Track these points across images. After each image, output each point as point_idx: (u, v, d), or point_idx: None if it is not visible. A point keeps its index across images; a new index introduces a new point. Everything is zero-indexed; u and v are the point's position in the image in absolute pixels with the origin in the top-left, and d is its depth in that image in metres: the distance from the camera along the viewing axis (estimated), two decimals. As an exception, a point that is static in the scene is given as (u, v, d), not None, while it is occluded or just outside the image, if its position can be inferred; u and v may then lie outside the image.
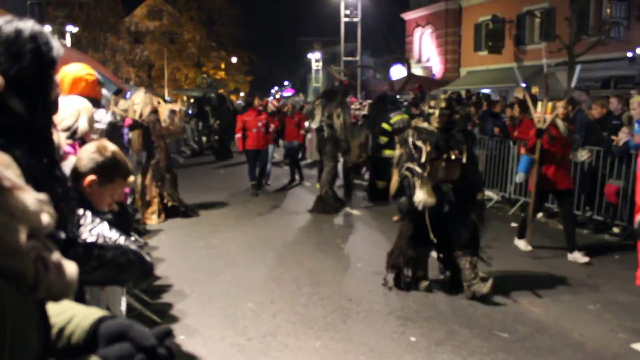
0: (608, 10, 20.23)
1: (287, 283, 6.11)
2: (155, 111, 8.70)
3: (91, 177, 2.45)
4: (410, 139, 5.68)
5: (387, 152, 10.56)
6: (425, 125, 5.79)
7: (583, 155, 8.88)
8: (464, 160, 5.61)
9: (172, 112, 9.15)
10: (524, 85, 13.64)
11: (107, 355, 1.17)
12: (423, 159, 5.52)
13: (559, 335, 4.81)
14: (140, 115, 8.40)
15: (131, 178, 2.69)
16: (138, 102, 8.61)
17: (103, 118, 4.38)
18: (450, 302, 5.54)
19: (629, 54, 19.52)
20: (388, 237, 8.10)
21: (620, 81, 20.55)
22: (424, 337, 4.76)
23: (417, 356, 4.43)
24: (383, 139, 10.54)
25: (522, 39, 25.94)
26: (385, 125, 10.49)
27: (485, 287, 5.44)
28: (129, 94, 11.89)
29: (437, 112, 5.72)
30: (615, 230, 8.41)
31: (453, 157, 5.58)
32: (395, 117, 10.60)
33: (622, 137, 8.10)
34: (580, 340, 4.74)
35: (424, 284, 5.82)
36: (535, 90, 22.71)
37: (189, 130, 22.56)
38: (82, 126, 3.21)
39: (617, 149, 8.11)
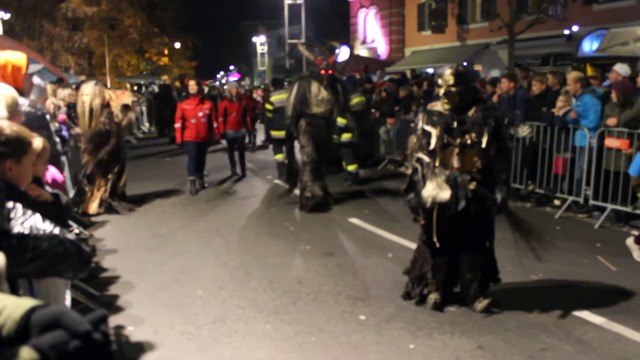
0: (545, -11, 20.71)
1: (236, 269, 6.08)
2: (107, 105, 8.51)
3: (6, 162, 2.36)
4: (420, 124, 4.83)
5: (346, 136, 10.63)
6: (438, 107, 4.84)
7: (524, 130, 9.11)
8: (484, 145, 4.63)
9: (126, 107, 8.79)
10: (465, 63, 13.86)
11: (39, 345, 1.13)
12: (432, 146, 4.68)
13: (504, 306, 4.93)
14: (91, 109, 8.33)
15: (37, 140, 2.59)
16: (87, 92, 8.42)
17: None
18: (398, 279, 5.60)
19: (566, 32, 20.08)
20: (337, 220, 8.17)
21: (559, 58, 21.16)
22: (373, 315, 4.82)
23: (366, 334, 4.48)
24: (342, 121, 10.51)
25: (465, 18, 26.33)
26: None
27: (480, 305, 4.84)
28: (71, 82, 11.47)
29: (442, 90, 4.71)
30: (557, 202, 8.70)
31: (469, 141, 4.64)
32: (355, 99, 10.71)
33: (560, 105, 8.38)
34: (524, 309, 4.89)
35: (432, 299, 4.91)
36: (477, 68, 23.17)
37: (133, 117, 22.01)
38: (1, 114, 3.11)
39: (558, 119, 8.36)
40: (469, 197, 4.60)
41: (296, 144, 9.12)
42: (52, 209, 2.60)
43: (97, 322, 1.20)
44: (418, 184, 4.74)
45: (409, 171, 4.92)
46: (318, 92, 8.58)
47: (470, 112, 4.71)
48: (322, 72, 8.57)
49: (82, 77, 32.43)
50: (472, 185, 4.62)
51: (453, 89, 4.66)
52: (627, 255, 6.46)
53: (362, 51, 34.65)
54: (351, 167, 10.81)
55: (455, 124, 4.68)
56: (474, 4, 25.96)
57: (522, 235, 4.99)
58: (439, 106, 4.84)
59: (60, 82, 13.85)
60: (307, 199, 8.63)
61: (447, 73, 4.71)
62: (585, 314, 4.79)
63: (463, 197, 4.59)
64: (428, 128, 4.74)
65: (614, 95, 7.84)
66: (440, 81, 4.76)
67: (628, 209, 7.54)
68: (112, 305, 5.11)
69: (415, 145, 4.84)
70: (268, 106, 11.43)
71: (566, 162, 8.48)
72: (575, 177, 8.34)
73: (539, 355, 4.14)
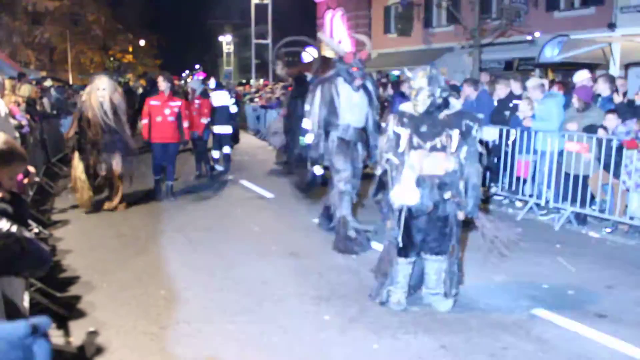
0: (509, -5, 21.08)
1: (200, 269, 6.02)
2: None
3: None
4: (390, 125, 4.81)
5: None
6: (409, 108, 4.83)
7: (488, 134, 9.24)
8: (453, 149, 4.66)
9: None
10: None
11: None
12: (402, 147, 4.69)
13: (466, 306, 5.01)
14: (112, 103, 8.26)
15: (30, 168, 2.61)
16: (104, 87, 8.26)
17: None
18: (362, 280, 5.64)
19: (529, 37, 20.48)
20: (302, 220, 8.17)
21: (522, 63, 21.55)
22: (338, 315, 4.83)
23: (330, 334, 4.49)
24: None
25: (430, 22, 26.63)
26: None
27: (443, 306, 4.93)
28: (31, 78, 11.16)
29: (414, 92, 4.74)
30: (518, 204, 8.86)
31: (438, 144, 4.66)
32: None
33: (523, 109, 8.53)
34: (486, 309, 4.97)
35: (396, 298, 4.97)
36: (443, 71, 23.42)
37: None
38: None
39: (521, 126, 8.52)
40: (436, 199, 4.64)
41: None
42: (11, 208, 2.53)
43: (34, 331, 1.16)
44: (387, 184, 4.78)
45: (378, 172, 4.94)
46: (349, 96, 6.75)
47: (441, 116, 4.72)
48: (355, 69, 6.72)
49: (43, 73, 31.75)
50: (447, 195, 4.66)
51: (425, 91, 4.66)
52: (585, 256, 6.62)
53: (328, 52, 34.74)
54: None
55: (425, 127, 4.68)
56: (440, 9, 26.26)
57: (488, 235, 5.06)
58: (409, 107, 4.84)
59: (22, 77, 13.55)
60: (351, 240, 6.68)
61: (420, 75, 4.71)
62: (545, 314, 4.89)
63: (431, 200, 4.64)
64: (398, 130, 4.73)
65: (575, 100, 8.02)
66: (412, 83, 4.77)
67: (587, 211, 7.73)
68: (72, 306, 5.01)
69: (385, 146, 4.85)
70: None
71: (528, 165, 8.64)
72: (537, 180, 8.51)
73: (500, 353, 4.21)
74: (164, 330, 4.55)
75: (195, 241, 7.13)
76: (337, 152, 6.87)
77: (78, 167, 8.24)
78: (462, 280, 5.12)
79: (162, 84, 9.40)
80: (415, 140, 4.67)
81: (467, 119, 4.78)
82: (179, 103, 9.44)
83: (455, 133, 4.66)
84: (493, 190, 9.28)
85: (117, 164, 8.45)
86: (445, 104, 4.80)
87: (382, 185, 4.86)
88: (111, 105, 8.25)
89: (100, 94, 8.20)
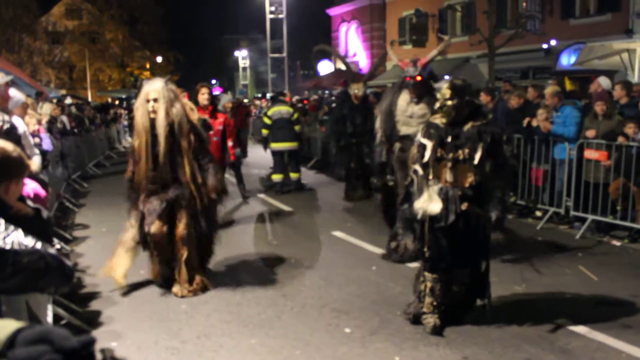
0: (524, 4, 21.04)
1: (219, 283, 6.02)
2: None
3: (11, 183, 2.38)
4: (418, 136, 4.80)
5: (274, 145, 11.26)
6: (438, 120, 4.75)
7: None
8: (476, 161, 4.57)
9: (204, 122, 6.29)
10: (445, 77, 13.94)
11: (14, 357, 1.12)
12: (426, 158, 4.65)
13: (488, 317, 4.93)
14: (171, 122, 5.33)
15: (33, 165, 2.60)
16: (155, 96, 5.29)
17: None
18: (383, 292, 5.63)
19: (544, 46, 20.39)
20: (320, 233, 8.17)
21: (538, 71, 21.47)
22: (359, 328, 4.81)
23: (352, 347, 4.48)
24: (264, 132, 11.33)
25: (445, 32, 26.63)
26: (264, 119, 11.36)
27: (466, 317, 4.91)
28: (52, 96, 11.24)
29: (439, 103, 4.70)
30: (538, 214, 8.78)
31: (461, 156, 4.60)
32: (272, 109, 11.16)
33: (541, 118, 8.46)
34: (508, 320, 4.90)
35: (431, 322, 4.72)
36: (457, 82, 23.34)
37: (114, 131, 21.99)
38: None
39: (540, 131, 8.45)
40: (458, 212, 4.57)
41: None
42: (34, 224, 2.57)
43: (85, 343, 1.18)
44: (414, 195, 4.71)
45: (406, 182, 4.91)
46: (407, 107, 6.35)
47: (466, 127, 4.64)
48: (408, 79, 6.34)
49: (63, 91, 32.22)
50: (464, 206, 4.58)
51: (449, 102, 4.60)
52: (608, 265, 6.54)
53: (343, 65, 34.89)
54: (275, 177, 11.32)
55: (449, 138, 4.63)
56: (454, 19, 26.31)
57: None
58: (438, 119, 4.78)
59: (39, 96, 13.75)
60: (394, 250, 6.60)
61: (444, 87, 4.66)
62: (568, 324, 4.82)
63: (453, 211, 4.55)
64: (424, 140, 4.69)
65: (600, 107, 7.86)
66: (438, 95, 4.73)
67: (608, 220, 7.64)
68: (94, 321, 5.05)
69: (415, 156, 4.80)
70: (266, 119, 11.41)
71: (545, 174, 8.57)
72: (556, 189, 8.43)
73: (524, 365, 4.17)
74: (185, 344, 4.57)
75: (214, 255, 7.13)
76: (397, 166, 6.52)
77: (128, 230, 5.79)
78: (489, 293, 4.95)
79: (205, 98, 7.86)
80: (439, 151, 4.62)
81: (493, 131, 4.70)
82: (222, 118, 8.18)
83: (480, 145, 4.57)
84: (512, 199, 9.20)
85: (182, 225, 5.56)
86: (471, 115, 4.71)
87: (409, 196, 4.78)
88: (167, 126, 5.29)
89: (152, 106, 5.31)
